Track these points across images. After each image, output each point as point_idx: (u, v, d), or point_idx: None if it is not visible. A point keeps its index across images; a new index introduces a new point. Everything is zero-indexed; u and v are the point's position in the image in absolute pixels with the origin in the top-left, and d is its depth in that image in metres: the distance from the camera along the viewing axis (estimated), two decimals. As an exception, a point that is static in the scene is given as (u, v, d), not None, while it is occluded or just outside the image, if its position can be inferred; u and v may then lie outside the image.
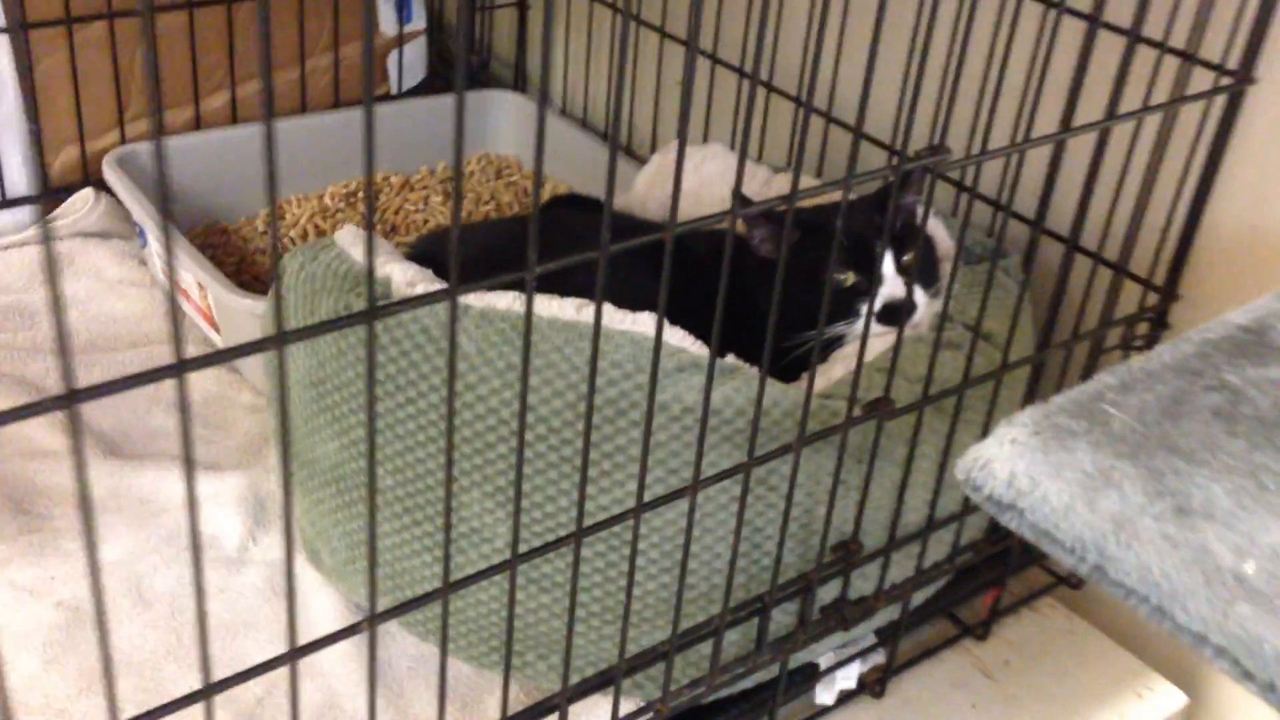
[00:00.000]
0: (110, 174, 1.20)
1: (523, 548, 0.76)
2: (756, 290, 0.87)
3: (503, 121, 1.49)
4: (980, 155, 0.72)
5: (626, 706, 0.77)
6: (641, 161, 1.36)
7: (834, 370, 0.84)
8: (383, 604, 0.85)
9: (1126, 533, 0.52)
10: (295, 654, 0.54)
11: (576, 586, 0.74)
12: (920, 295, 0.87)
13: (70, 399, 0.40)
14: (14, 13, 1.14)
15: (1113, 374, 0.62)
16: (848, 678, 0.86)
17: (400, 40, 1.43)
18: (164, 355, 1.15)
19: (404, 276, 0.80)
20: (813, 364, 0.73)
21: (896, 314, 0.85)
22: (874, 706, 0.90)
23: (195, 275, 1.12)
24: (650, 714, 0.78)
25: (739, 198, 0.64)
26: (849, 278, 0.86)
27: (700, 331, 0.78)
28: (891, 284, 0.85)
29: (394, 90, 1.47)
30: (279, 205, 1.34)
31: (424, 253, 0.98)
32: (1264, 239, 0.93)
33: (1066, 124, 0.75)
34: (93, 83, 1.25)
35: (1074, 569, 0.53)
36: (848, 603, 0.82)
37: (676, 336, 0.77)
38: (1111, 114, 0.80)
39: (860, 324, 0.87)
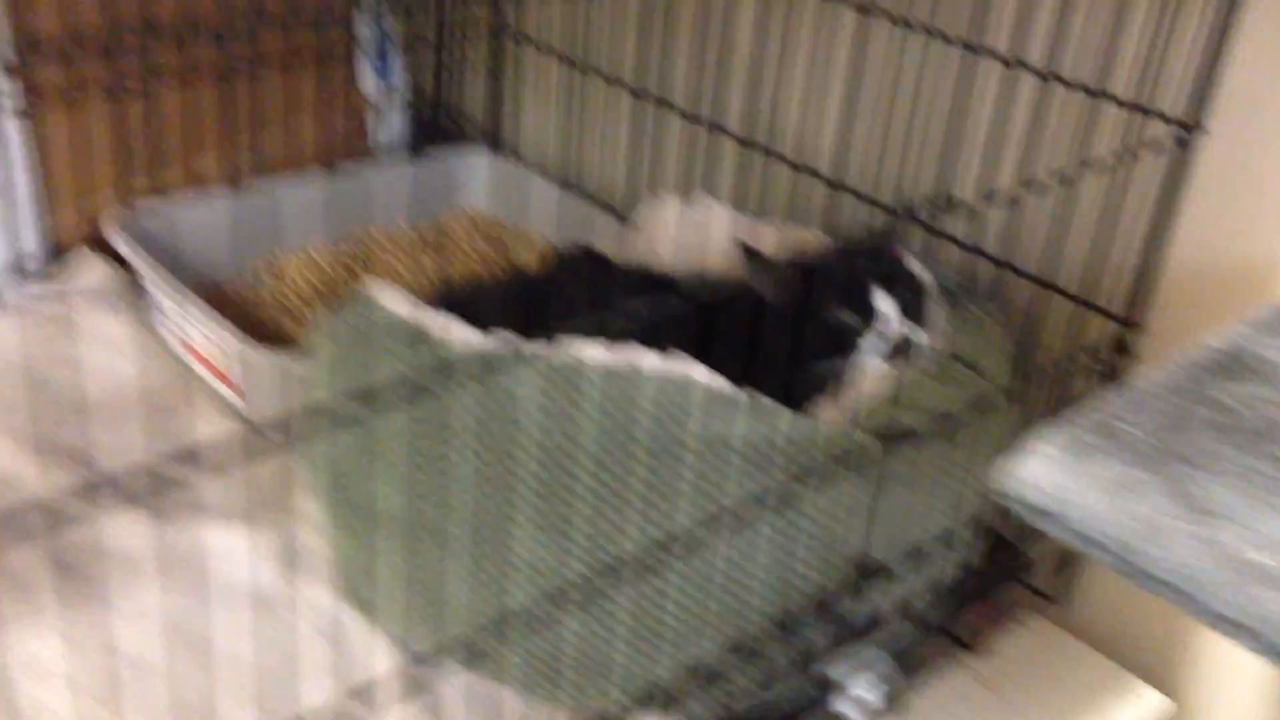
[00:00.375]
0: (113, 235, 1.24)
1: (570, 575, 0.82)
2: (760, 331, 0.94)
3: (478, 179, 1.55)
4: (987, 202, 0.80)
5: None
6: (618, 215, 1.43)
7: (843, 402, 0.91)
8: (432, 637, 0.90)
9: (1157, 533, 0.59)
10: (417, 661, 0.59)
11: (649, 611, 0.79)
12: (915, 332, 0.94)
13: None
14: (24, 96, 1.18)
15: (1119, 395, 0.70)
16: (868, 692, 0.92)
17: (381, 101, 1.49)
18: (175, 414, 1.18)
19: (461, 334, 0.86)
20: (856, 391, 0.80)
21: (896, 350, 0.92)
22: None
23: (214, 336, 1.16)
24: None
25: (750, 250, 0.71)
26: (849, 318, 0.93)
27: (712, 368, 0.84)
28: (889, 323, 0.93)
29: (375, 150, 1.52)
30: (276, 264, 1.38)
31: (444, 307, 1.03)
32: (1216, 272, 1.02)
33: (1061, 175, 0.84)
34: (93, 147, 1.29)
35: (1110, 567, 0.60)
36: (867, 618, 0.88)
37: (705, 375, 0.83)
38: (1083, 162, 0.89)
39: (860, 360, 0.94)
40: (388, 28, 1.46)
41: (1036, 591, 1.11)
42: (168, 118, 1.31)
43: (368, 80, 1.47)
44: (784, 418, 0.83)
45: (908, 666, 0.97)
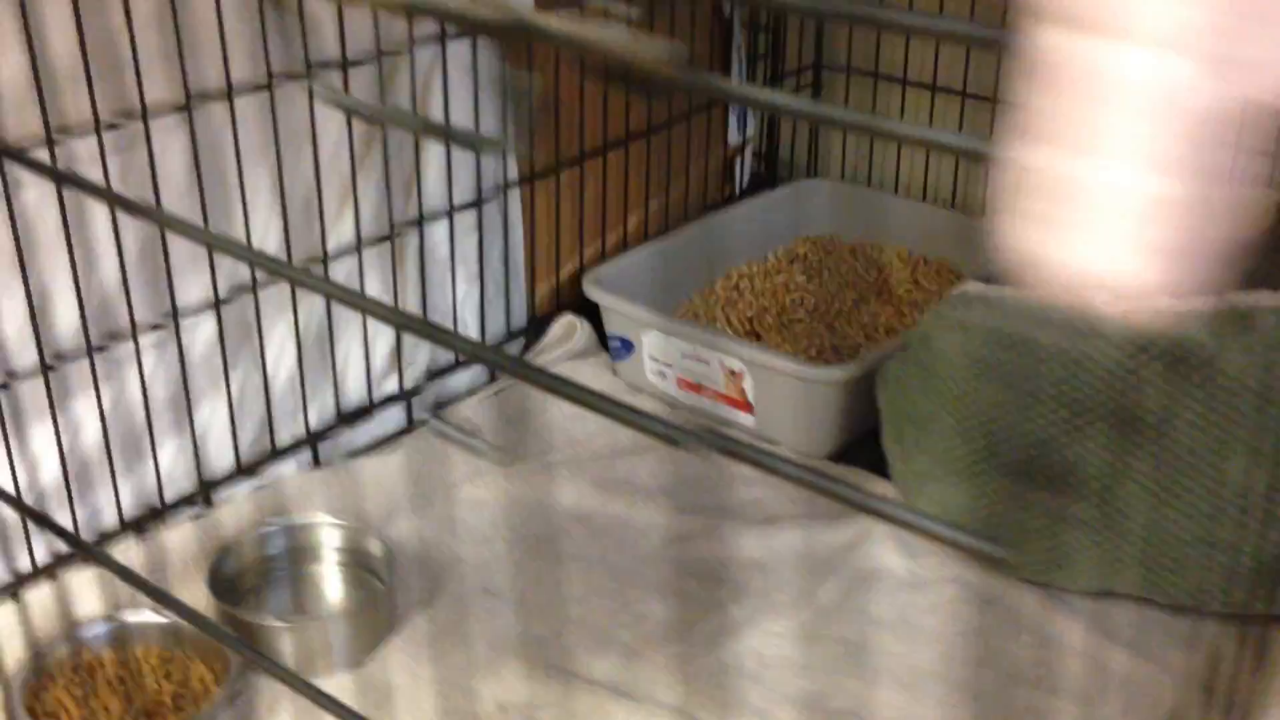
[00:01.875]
0: (594, 293, 1.36)
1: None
2: None
3: (814, 207, 1.68)
4: None
5: None
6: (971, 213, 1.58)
7: None
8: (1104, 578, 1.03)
9: None
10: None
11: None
12: None
13: None
14: (525, 167, 1.31)
15: None
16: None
17: (742, 148, 1.62)
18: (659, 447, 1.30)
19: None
20: None
21: None
22: None
23: (727, 364, 1.28)
24: None
25: None
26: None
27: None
28: None
29: (737, 191, 1.65)
30: (690, 304, 1.50)
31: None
32: None
33: None
34: (561, 221, 1.41)
35: None
36: None
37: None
38: None
39: None
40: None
41: None
42: (609, 185, 1.44)
43: (733, 131, 1.61)
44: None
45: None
